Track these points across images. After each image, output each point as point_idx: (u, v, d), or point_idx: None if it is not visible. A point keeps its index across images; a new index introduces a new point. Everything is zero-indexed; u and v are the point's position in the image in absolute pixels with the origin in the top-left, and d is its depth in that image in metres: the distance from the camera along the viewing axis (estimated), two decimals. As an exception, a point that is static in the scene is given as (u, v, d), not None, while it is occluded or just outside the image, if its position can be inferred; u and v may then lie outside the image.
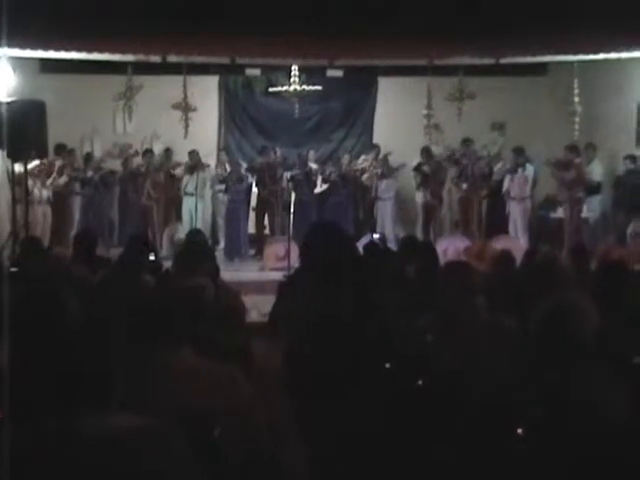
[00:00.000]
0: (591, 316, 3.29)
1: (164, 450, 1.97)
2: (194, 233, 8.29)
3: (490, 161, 13.99)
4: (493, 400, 3.20)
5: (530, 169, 13.32)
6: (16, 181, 10.78)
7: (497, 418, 3.07)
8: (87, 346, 2.28)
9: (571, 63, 13.24)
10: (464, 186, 13.81)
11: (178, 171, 13.94)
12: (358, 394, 4.10)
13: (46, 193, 12.52)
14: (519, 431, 2.92)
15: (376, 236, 12.57)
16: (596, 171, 12.83)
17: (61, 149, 12.92)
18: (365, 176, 14.16)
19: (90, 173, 13.32)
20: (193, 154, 13.84)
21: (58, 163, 12.81)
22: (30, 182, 11.33)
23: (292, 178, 13.94)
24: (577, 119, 13.44)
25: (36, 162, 11.87)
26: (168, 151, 14.12)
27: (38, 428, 1.97)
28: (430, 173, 13.97)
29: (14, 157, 10.35)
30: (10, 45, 10.84)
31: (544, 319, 3.29)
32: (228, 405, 2.59)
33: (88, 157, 13.75)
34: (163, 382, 2.56)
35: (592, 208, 12.95)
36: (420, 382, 3.85)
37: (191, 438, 2.13)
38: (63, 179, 12.84)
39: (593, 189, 12.80)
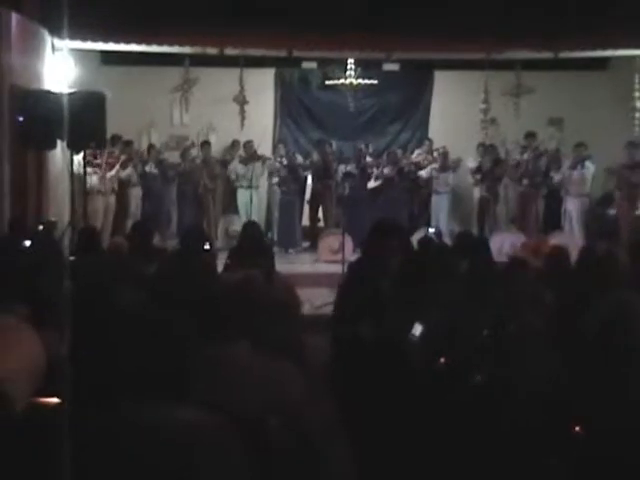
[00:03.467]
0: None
1: (221, 448, 1.99)
2: (250, 225, 8.32)
3: (550, 158, 13.84)
4: (551, 398, 3.17)
5: (589, 166, 13.14)
6: (75, 172, 10.93)
7: (555, 416, 3.05)
8: (143, 337, 2.30)
9: (633, 58, 13.02)
10: (524, 182, 13.69)
11: (233, 165, 14.04)
12: (410, 390, 4.09)
13: (110, 184, 12.70)
14: (577, 429, 2.89)
15: (431, 230, 12.52)
16: None
17: (117, 140, 13.06)
18: (424, 171, 14.08)
19: (151, 165, 13.46)
20: (248, 145, 13.94)
21: (123, 156, 12.97)
22: (90, 172, 11.51)
23: (347, 172, 13.94)
24: (638, 115, 13.23)
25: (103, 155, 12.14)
26: (235, 143, 14.22)
27: (100, 417, 2.01)
28: (487, 170, 13.86)
29: (73, 148, 10.51)
30: (72, 37, 11.03)
31: (602, 318, 3.25)
32: (282, 400, 2.61)
33: (150, 148, 13.88)
34: (219, 376, 2.59)
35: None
36: (478, 378, 3.83)
37: (245, 432, 2.15)
38: (128, 171, 13.01)
39: None
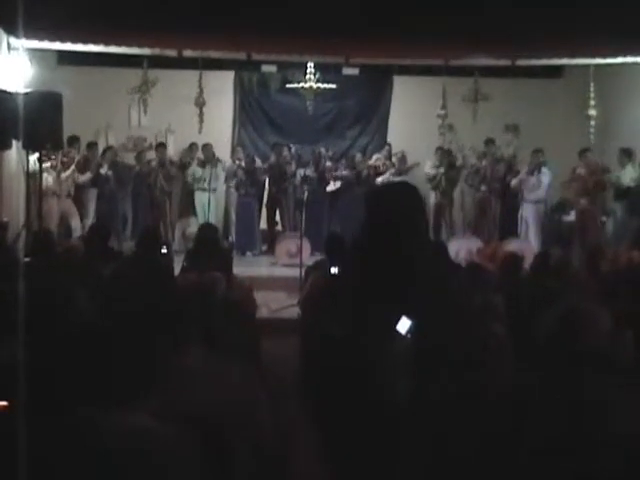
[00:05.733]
0: (603, 320, 3.27)
1: (175, 454, 1.98)
2: (205, 228, 8.28)
3: (507, 164, 13.98)
4: (503, 406, 3.19)
5: (546, 172, 13.28)
6: (30, 173, 10.80)
7: (506, 424, 3.06)
8: (98, 340, 2.29)
9: (587, 66, 13.20)
10: (481, 188, 13.80)
11: (191, 169, 13.98)
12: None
13: (65, 185, 12.57)
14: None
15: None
16: (627, 176, 12.75)
17: (74, 141, 12.93)
18: (382, 178, 14.12)
19: (105, 167, 13.33)
20: (207, 148, 13.88)
21: (77, 156, 12.85)
22: (45, 174, 11.36)
23: (305, 176, 13.96)
24: (592, 123, 13.41)
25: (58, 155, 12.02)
26: (193, 145, 14.16)
27: (51, 422, 1.99)
28: (441, 175, 13.96)
29: (29, 148, 10.38)
30: (27, 37, 10.89)
31: (555, 324, 3.27)
32: (237, 403, 2.60)
33: (106, 150, 13.75)
34: (172, 379, 2.57)
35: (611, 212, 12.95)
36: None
37: (200, 436, 2.14)
38: (87, 175, 12.92)
39: (621, 194, 12.74)
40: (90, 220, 12.85)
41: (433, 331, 3.54)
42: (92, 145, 13.42)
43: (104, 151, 13.65)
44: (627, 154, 12.83)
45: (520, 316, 4.49)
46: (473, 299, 4.61)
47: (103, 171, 13.26)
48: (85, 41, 11.78)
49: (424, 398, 3.59)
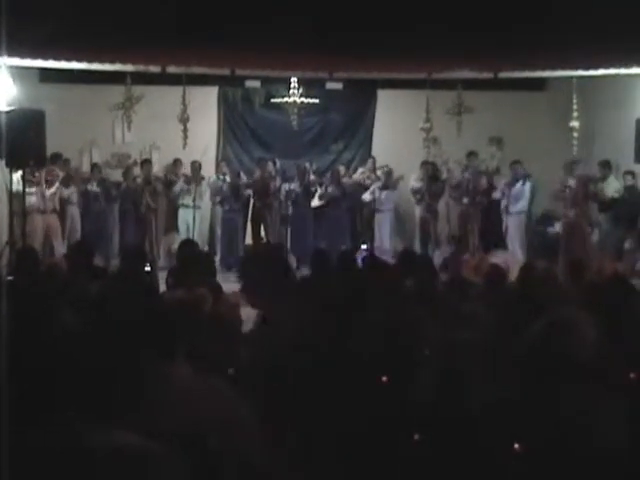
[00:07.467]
0: (588, 332, 3.27)
1: (160, 472, 1.95)
2: (185, 244, 8.22)
3: (490, 176, 14.03)
4: (489, 416, 3.18)
5: (528, 184, 13.34)
6: (14, 190, 10.76)
7: (493, 435, 3.05)
8: (83, 357, 2.26)
9: (570, 78, 13.26)
10: (464, 200, 13.84)
11: (177, 187, 13.96)
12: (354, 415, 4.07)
13: (50, 202, 12.55)
14: (516, 446, 2.90)
15: (363, 247, 12.65)
16: (611, 188, 12.80)
17: (57, 158, 12.92)
18: (367, 194, 14.12)
19: (93, 184, 13.37)
20: (194, 165, 13.89)
21: (61, 173, 12.85)
22: (29, 190, 11.33)
23: (290, 191, 13.96)
24: (576, 134, 13.46)
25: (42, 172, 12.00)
26: (177, 162, 14.15)
27: (33, 440, 1.96)
28: (425, 188, 14.01)
29: (12, 166, 10.34)
30: (10, 54, 10.84)
31: (540, 335, 3.27)
32: (224, 419, 2.58)
33: (94, 167, 13.79)
34: (158, 396, 2.54)
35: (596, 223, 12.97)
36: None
37: (186, 453, 2.11)
38: (70, 190, 12.91)
39: (606, 205, 12.77)
40: (75, 237, 12.82)
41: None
42: (66, 161, 13.45)
43: (92, 168, 13.70)
44: (607, 166, 12.90)
45: (506, 328, 4.49)
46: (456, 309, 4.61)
47: (91, 187, 13.27)
48: (67, 58, 11.73)
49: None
